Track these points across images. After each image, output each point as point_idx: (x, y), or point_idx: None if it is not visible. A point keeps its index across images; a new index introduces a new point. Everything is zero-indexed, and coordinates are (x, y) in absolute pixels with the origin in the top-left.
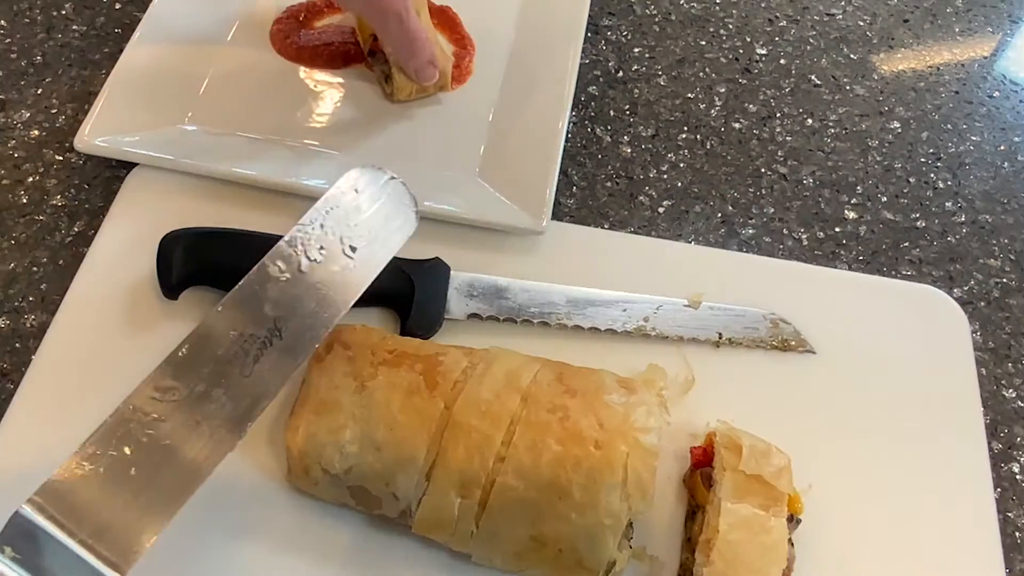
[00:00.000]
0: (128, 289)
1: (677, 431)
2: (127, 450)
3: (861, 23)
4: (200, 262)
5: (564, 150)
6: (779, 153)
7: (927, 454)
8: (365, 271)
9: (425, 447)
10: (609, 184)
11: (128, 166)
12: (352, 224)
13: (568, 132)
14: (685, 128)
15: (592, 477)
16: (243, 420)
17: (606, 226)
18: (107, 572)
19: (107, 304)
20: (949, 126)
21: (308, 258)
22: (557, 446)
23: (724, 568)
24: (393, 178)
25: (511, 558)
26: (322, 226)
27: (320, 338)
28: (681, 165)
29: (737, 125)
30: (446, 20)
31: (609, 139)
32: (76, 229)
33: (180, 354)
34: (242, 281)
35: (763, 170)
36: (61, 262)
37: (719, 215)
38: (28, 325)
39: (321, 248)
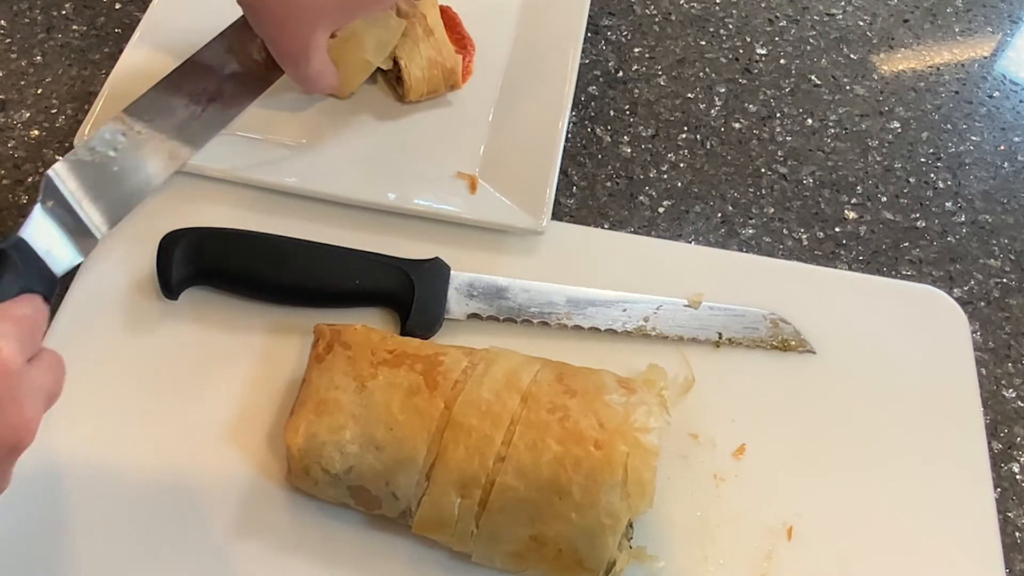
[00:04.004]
0: (128, 289)
1: (677, 431)
2: (115, 149)
3: (861, 23)
4: (200, 262)
5: (564, 150)
6: (779, 153)
7: (927, 454)
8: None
9: (425, 447)
10: (609, 184)
11: None
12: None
13: (568, 132)
14: (685, 128)
15: (592, 477)
16: (191, 148)
17: (606, 226)
18: (96, 232)
19: (107, 304)
20: (949, 126)
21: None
22: (557, 446)
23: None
24: None
25: (511, 558)
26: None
27: (252, 101)
28: (681, 165)
29: (737, 125)
30: (446, 20)
31: (609, 139)
32: None
33: (157, 89)
34: (203, 48)
35: (763, 170)
36: None
37: (719, 215)
38: None
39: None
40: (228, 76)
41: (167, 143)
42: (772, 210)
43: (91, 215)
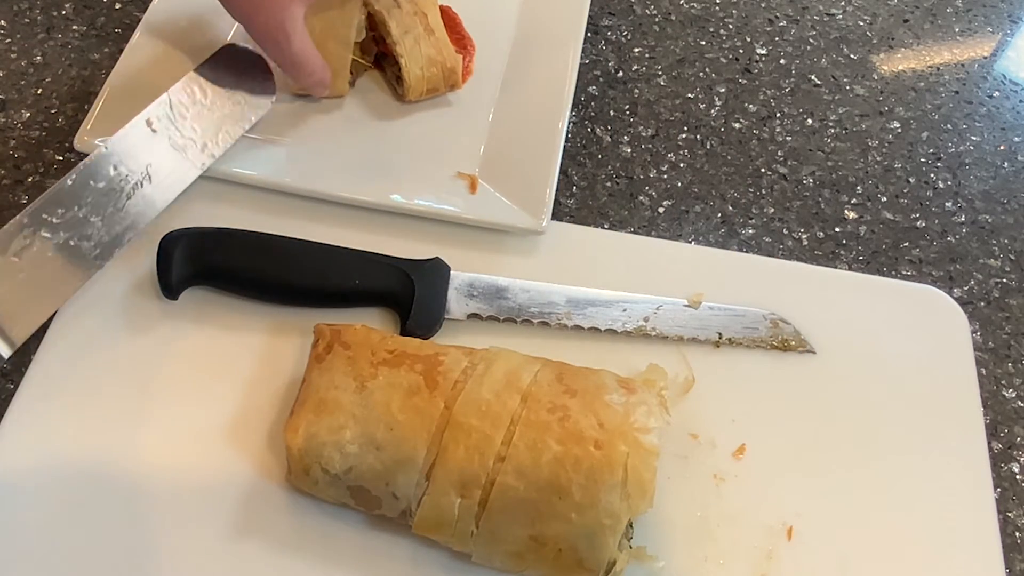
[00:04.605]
0: (128, 289)
1: (677, 431)
2: (18, 255)
3: (861, 23)
4: (200, 262)
5: (564, 150)
6: (779, 153)
7: (927, 454)
8: (221, 142)
9: (425, 447)
10: (609, 184)
11: None
12: (209, 98)
13: (568, 132)
14: (685, 128)
15: (592, 477)
16: (112, 246)
17: (606, 226)
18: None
19: (107, 304)
20: (949, 126)
21: (176, 120)
22: (557, 446)
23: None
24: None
25: (511, 558)
26: (195, 92)
27: (184, 186)
28: (681, 165)
29: (737, 125)
30: (446, 20)
31: (609, 139)
32: None
33: (67, 183)
34: (124, 128)
35: (763, 170)
36: None
37: (719, 215)
38: None
39: (188, 114)
40: (159, 157)
41: (83, 242)
42: (772, 210)
43: None
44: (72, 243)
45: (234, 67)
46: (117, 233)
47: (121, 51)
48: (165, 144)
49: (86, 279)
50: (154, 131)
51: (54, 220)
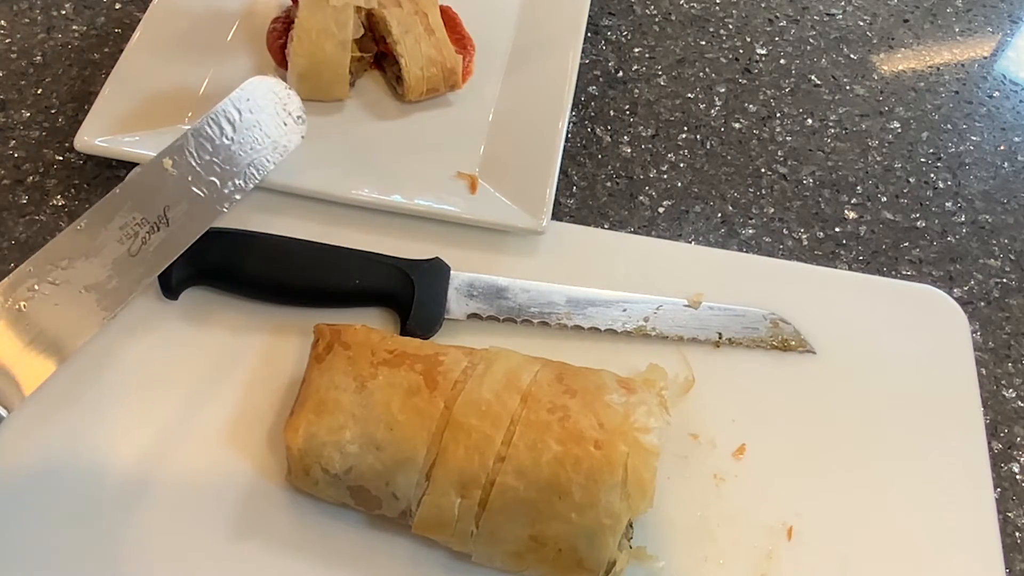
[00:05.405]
0: None
1: (677, 431)
2: (23, 305)
3: (861, 23)
4: (200, 262)
5: (564, 150)
6: (779, 153)
7: (927, 454)
8: (245, 177)
9: (425, 447)
10: (609, 184)
11: (128, 166)
12: (236, 133)
13: (568, 132)
14: (685, 128)
15: (592, 477)
16: (122, 296)
17: (606, 226)
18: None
19: None
20: (949, 126)
21: (197, 158)
22: (557, 446)
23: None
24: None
25: (511, 558)
26: (221, 128)
27: (203, 230)
28: (681, 165)
29: (737, 125)
30: (446, 20)
31: (609, 139)
32: None
33: (78, 228)
34: (138, 169)
35: (763, 170)
36: None
37: (719, 215)
38: None
39: (210, 150)
40: (178, 199)
41: (89, 294)
42: (772, 210)
43: None
44: (79, 293)
45: (262, 101)
46: (129, 281)
47: (121, 51)
48: (184, 184)
49: (91, 332)
50: (172, 171)
51: (61, 268)
